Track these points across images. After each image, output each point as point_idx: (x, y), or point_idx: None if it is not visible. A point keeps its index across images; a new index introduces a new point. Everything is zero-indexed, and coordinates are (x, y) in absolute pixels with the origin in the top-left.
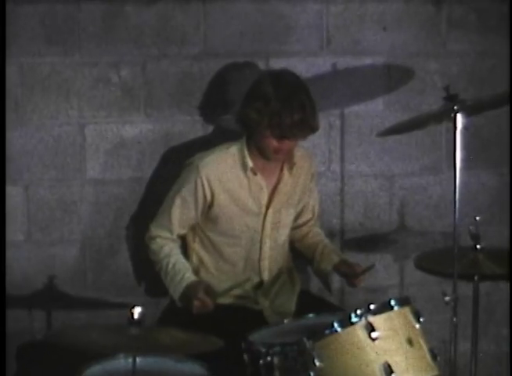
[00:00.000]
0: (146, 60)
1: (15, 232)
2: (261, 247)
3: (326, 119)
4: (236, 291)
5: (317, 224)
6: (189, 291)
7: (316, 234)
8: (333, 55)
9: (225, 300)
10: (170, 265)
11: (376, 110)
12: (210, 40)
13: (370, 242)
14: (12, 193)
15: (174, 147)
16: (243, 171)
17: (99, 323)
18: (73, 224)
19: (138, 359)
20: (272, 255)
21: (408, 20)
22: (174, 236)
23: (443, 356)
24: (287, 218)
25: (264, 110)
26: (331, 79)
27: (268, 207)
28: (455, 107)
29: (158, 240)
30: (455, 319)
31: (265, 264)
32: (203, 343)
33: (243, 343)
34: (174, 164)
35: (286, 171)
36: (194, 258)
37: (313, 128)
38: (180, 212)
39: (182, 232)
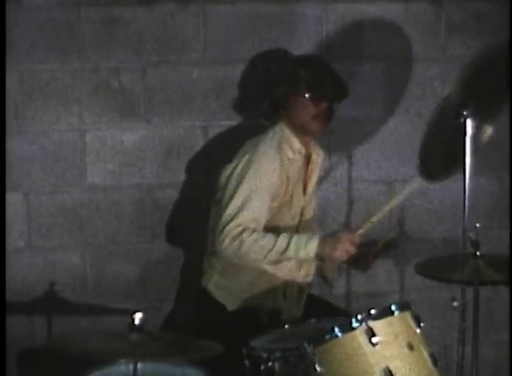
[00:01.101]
0: (146, 66)
1: (15, 238)
2: (296, 231)
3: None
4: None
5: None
6: (327, 241)
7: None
8: (332, 60)
9: (234, 305)
10: (285, 238)
11: (376, 116)
12: (210, 46)
13: (371, 247)
14: (13, 199)
15: (173, 153)
16: (292, 153)
17: (100, 329)
18: (74, 230)
19: (139, 365)
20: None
21: (407, 26)
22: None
23: (444, 360)
24: (313, 204)
25: (298, 76)
26: None
27: (305, 189)
28: (464, 113)
29: (246, 232)
30: (463, 324)
31: None
32: (203, 349)
33: (244, 348)
34: (175, 171)
35: (314, 153)
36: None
37: (346, 92)
38: (261, 201)
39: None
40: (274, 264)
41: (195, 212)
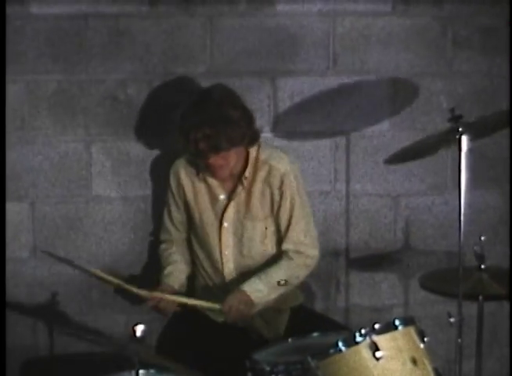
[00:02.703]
0: (152, 78)
1: (20, 248)
2: (222, 258)
3: (332, 138)
4: None
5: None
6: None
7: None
8: (339, 74)
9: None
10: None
11: (382, 130)
12: (217, 59)
13: (375, 261)
14: (18, 209)
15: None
16: (198, 177)
17: (102, 340)
18: (79, 241)
19: (140, 372)
20: (239, 267)
21: (414, 41)
22: (175, 238)
23: (447, 375)
24: (253, 232)
25: (180, 129)
26: (337, 99)
27: (222, 218)
28: (459, 129)
29: (162, 245)
30: (459, 341)
31: (231, 275)
32: None
33: (248, 362)
34: None
35: (239, 183)
36: (194, 258)
37: (221, 147)
38: (169, 213)
39: (180, 234)
40: None
41: None
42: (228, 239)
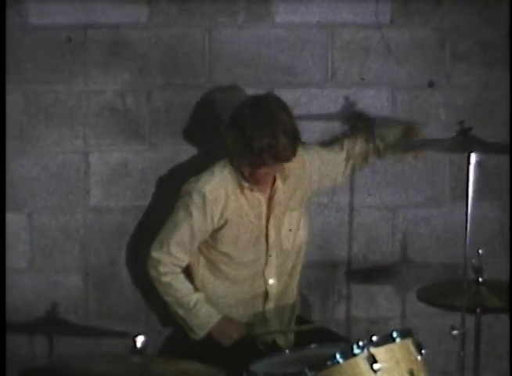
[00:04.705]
0: (151, 89)
1: (17, 259)
2: (267, 259)
3: None
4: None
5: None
6: (221, 327)
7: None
8: (337, 86)
9: None
10: (192, 302)
11: None
12: (216, 70)
13: (373, 273)
14: (16, 220)
15: (177, 176)
16: (240, 190)
17: (102, 351)
18: (76, 252)
19: None
20: (279, 265)
21: (412, 53)
22: (183, 264)
23: None
24: (291, 221)
25: (237, 136)
26: (335, 110)
27: (268, 219)
28: (469, 145)
29: (161, 267)
30: (462, 354)
31: (272, 274)
32: (204, 373)
33: (245, 373)
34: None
35: (279, 183)
36: (198, 282)
37: (285, 158)
38: (190, 239)
39: (188, 259)
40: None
41: None
42: (272, 235)
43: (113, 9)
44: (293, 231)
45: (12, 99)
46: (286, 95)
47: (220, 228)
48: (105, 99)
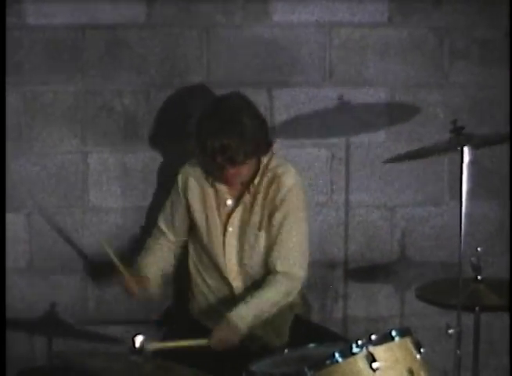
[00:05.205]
0: (149, 89)
1: (17, 259)
2: (226, 266)
3: (329, 150)
4: None
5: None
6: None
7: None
8: (335, 86)
9: None
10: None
11: (379, 141)
12: (213, 70)
13: (371, 272)
14: (15, 220)
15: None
16: (208, 182)
17: (101, 350)
18: (75, 252)
19: None
20: (243, 275)
21: (410, 52)
22: (169, 240)
23: None
24: (255, 241)
25: (196, 136)
26: (333, 110)
27: (227, 222)
28: (461, 141)
29: (155, 230)
30: (458, 352)
31: (237, 284)
32: None
33: (244, 373)
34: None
35: (246, 190)
36: (192, 284)
37: (239, 156)
38: (170, 214)
39: (175, 239)
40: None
41: None
42: (231, 245)
43: (111, 9)
44: (255, 251)
45: (11, 100)
46: (284, 95)
47: (193, 214)
48: (103, 100)
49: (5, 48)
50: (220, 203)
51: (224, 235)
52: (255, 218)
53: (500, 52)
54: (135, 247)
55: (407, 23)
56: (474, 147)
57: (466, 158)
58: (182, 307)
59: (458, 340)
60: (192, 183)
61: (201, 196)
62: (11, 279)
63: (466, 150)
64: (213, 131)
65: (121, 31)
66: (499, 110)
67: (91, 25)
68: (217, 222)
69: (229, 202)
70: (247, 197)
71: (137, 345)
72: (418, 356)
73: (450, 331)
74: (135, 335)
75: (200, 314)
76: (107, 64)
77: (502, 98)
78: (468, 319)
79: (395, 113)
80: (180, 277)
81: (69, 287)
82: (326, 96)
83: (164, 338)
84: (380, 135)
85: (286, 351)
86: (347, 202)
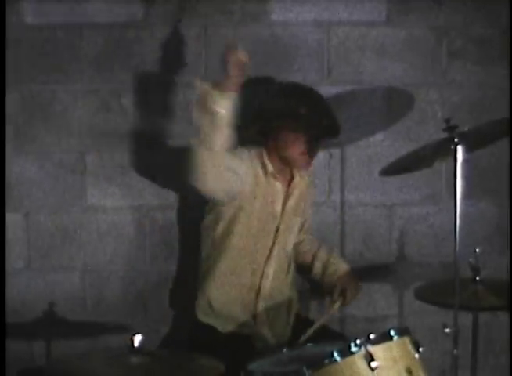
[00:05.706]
0: (147, 88)
1: (15, 259)
2: (270, 253)
3: (326, 149)
4: (239, 315)
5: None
6: None
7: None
8: (333, 85)
9: (226, 327)
10: None
11: (376, 140)
12: (211, 68)
13: (370, 272)
14: (13, 220)
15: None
16: (263, 174)
17: (99, 350)
18: (74, 251)
19: None
20: (277, 262)
21: (408, 51)
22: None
23: None
24: (295, 226)
25: (298, 113)
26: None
27: (283, 211)
28: (455, 140)
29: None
30: (455, 352)
31: (269, 271)
32: (203, 371)
33: (243, 372)
34: (175, 193)
35: (297, 177)
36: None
37: (339, 130)
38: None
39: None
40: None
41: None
42: (280, 232)
43: (109, 8)
44: (293, 236)
45: (9, 99)
46: None
47: (239, 209)
48: (101, 99)
49: (5, 49)
50: (273, 193)
51: (279, 223)
52: (300, 205)
53: (498, 51)
54: (133, 247)
55: (405, 22)
56: (468, 146)
57: (460, 157)
58: (182, 307)
59: (455, 339)
60: (248, 171)
61: (256, 181)
62: (9, 279)
63: (459, 148)
64: (325, 113)
65: (119, 30)
66: (498, 109)
67: (89, 24)
68: (270, 211)
69: (281, 192)
70: (297, 184)
71: (136, 344)
72: (416, 356)
73: (446, 330)
74: (134, 334)
75: (212, 311)
76: (105, 63)
77: (501, 97)
78: (466, 319)
79: (393, 112)
80: (180, 277)
81: (67, 287)
82: (323, 94)
83: (164, 338)
84: (378, 135)
85: (284, 350)
86: (345, 201)
